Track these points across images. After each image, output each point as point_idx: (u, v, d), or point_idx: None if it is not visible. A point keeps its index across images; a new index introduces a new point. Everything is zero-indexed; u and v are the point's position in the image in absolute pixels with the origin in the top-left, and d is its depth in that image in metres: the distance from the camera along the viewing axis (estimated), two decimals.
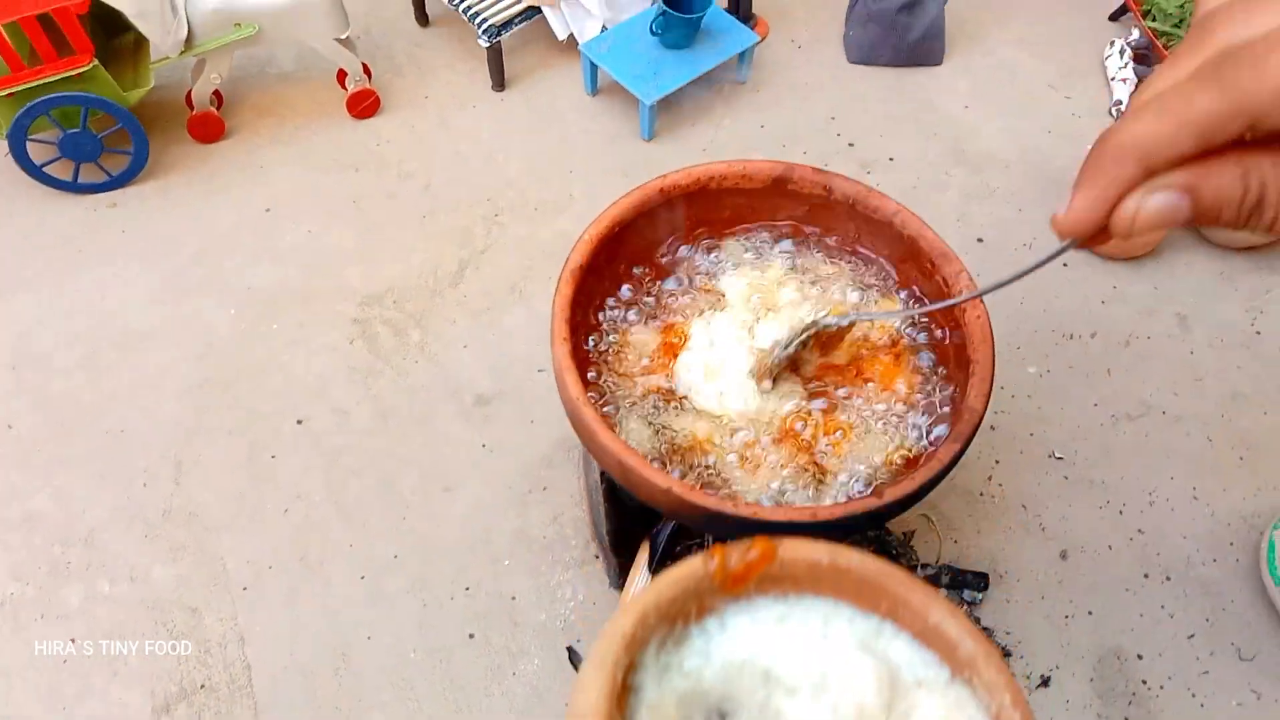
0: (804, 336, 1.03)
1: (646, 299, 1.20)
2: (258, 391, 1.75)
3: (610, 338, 1.18)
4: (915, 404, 1.10)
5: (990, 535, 1.59)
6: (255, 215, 2.00)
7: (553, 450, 1.67)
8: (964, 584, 1.52)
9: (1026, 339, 1.78)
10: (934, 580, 1.52)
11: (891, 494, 0.95)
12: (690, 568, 0.40)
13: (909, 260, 1.21)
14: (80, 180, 1.99)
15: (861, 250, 1.25)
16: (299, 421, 1.71)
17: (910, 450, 1.07)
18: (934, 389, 1.11)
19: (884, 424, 1.09)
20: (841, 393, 1.11)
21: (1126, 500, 1.62)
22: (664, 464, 1.05)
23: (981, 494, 1.63)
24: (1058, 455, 1.67)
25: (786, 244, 1.26)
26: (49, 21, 1.76)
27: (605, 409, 1.13)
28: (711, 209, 1.26)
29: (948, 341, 1.15)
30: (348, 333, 1.82)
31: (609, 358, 1.17)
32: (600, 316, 1.21)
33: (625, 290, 1.22)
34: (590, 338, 1.18)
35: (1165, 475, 1.65)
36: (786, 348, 1.04)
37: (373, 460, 1.67)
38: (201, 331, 1.83)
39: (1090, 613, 1.52)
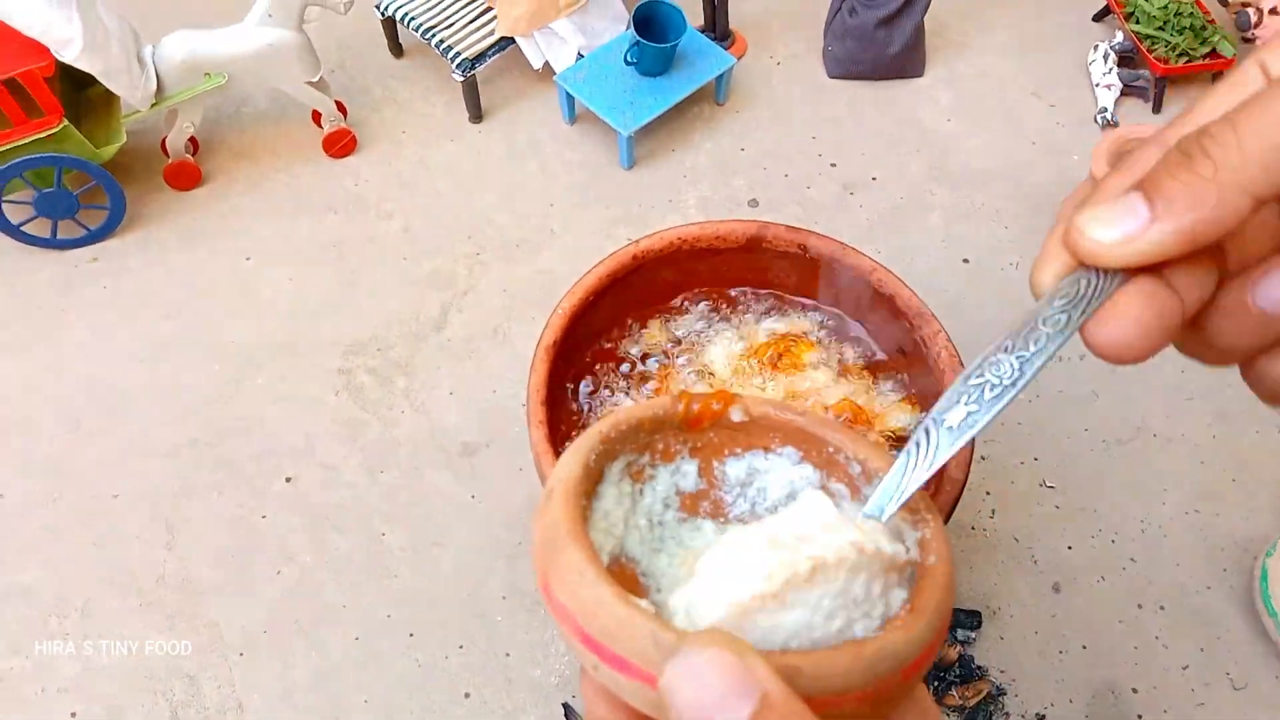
0: None
1: (623, 381, 1.19)
2: (245, 450, 1.75)
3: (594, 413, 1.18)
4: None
5: (983, 570, 1.59)
6: (236, 264, 1.99)
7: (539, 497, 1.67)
8: (956, 624, 1.52)
9: None
10: None
11: None
12: (660, 399, 0.45)
13: (888, 318, 1.20)
14: (59, 237, 1.98)
15: (841, 310, 1.24)
16: (287, 479, 1.71)
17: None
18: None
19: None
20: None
21: (1119, 528, 1.62)
22: None
23: (974, 528, 1.63)
24: (1049, 484, 1.66)
25: (766, 307, 1.25)
26: (16, 85, 1.74)
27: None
28: (687, 272, 1.25)
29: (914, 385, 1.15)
30: (332, 384, 1.82)
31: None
32: (578, 392, 1.21)
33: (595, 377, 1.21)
34: (572, 413, 1.17)
35: (1157, 501, 1.64)
36: None
37: (362, 517, 1.67)
38: (186, 389, 1.82)
39: (1084, 646, 1.52)
